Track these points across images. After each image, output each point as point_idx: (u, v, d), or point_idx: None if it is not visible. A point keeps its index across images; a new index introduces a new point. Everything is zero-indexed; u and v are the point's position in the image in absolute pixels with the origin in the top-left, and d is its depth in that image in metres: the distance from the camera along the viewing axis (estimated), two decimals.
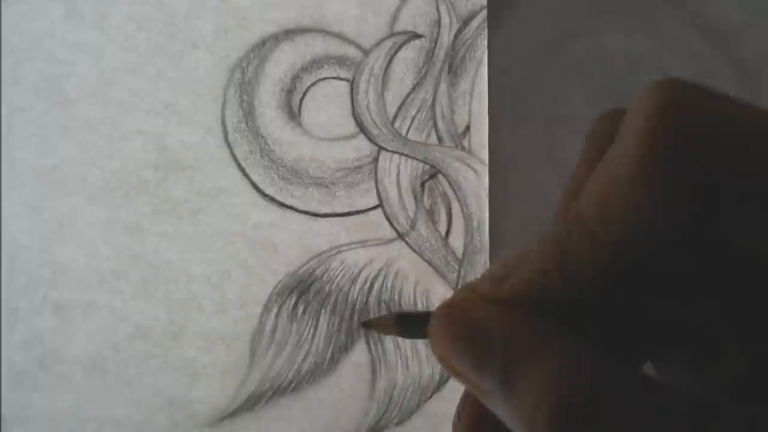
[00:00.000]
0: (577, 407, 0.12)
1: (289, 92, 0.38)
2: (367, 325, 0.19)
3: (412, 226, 0.38)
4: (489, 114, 0.39)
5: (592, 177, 0.14)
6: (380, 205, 0.38)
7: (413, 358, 0.37)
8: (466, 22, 0.39)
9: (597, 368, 0.13)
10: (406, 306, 0.37)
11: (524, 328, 0.14)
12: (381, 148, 0.38)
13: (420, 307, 0.38)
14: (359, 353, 0.37)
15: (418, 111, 0.38)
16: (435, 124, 0.38)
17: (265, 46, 0.38)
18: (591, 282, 0.14)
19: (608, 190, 0.14)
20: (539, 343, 0.14)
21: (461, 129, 0.39)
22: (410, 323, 0.18)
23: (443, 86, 0.39)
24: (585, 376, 0.13)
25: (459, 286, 0.38)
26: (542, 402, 0.13)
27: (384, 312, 0.37)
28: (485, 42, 0.39)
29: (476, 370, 0.14)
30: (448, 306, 0.15)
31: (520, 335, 0.14)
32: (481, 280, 0.15)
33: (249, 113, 0.38)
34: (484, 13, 0.39)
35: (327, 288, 0.37)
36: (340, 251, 0.37)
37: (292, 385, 0.36)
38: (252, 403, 0.36)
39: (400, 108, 0.38)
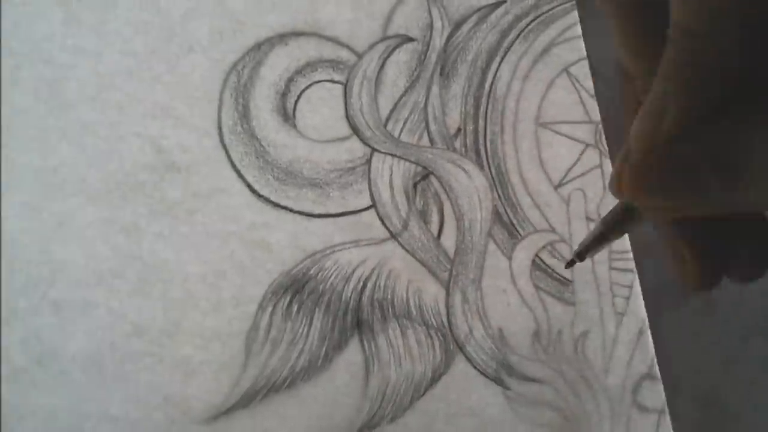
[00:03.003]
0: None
1: (284, 95, 0.39)
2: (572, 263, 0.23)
3: (405, 226, 0.38)
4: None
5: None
6: (373, 205, 0.38)
7: (406, 356, 0.38)
8: (458, 26, 0.40)
9: None
10: (399, 305, 0.38)
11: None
12: (374, 149, 0.39)
13: (413, 306, 0.38)
14: (353, 351, 0.37)
15: (410, 113, 0.39)
16: (427, 126, 0.39)
17: (260, 49, 0.38)
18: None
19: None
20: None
21: (453, 131, 0.39)
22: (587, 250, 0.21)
23: (435, 89, 0.39)
24: None
25: (451, 285, 0.38)
26: None
27: (378, 312, 0.38)
28: (476, 45, 0.40)
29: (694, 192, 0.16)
30: (633, 165, 0.16)
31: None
32: (639, 138, 0.16)
33: (244, 116, 0.38)
34: (476, 16, 0.40)
35: (321, 287, 0.38)
36: (333, 251, 0.38)
37: (287, 382, 0.37)
38: (247, 400, 0.36)
39: (392, 110, 0.39)
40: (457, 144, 0.39)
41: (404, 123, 0.39)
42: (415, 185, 0.39)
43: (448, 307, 0.38)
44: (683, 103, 0.15)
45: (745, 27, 0.14)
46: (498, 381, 0.38)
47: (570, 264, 0.24)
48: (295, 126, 0.38)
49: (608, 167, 0.40)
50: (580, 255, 0.22)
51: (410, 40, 0.39)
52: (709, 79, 0.15)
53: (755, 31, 0.14)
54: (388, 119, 0.39)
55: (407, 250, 0.38)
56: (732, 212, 0.16)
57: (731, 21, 0.14)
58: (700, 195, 0.15)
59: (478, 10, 0.40)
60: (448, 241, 0.39)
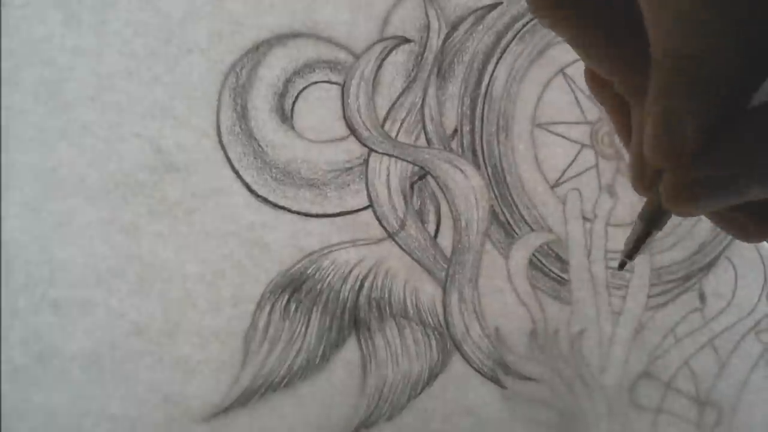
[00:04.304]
0: None
1: (282, 96, 0.39)
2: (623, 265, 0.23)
3: (402, 226, 0.39)
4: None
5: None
6: (370, 205, 0.39)
7: (403, 355, 0.38)
8: (454, 27, 0.40)
9: None
10: (396, 304, 0.38)
11: None
12: (371, 150, 0.39)
13: (410, 305, 0.38)
14: (350, 350, 0.38)
15: (407, 114, 0.39)
16: (424, 127, 0.39)
17: (258, 50, 0.39)
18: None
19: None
20: None
21: (450, 131, 0.40)
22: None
23: (432, 89, 0.40)
24: None
25: (448, 285, 0.38)
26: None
27: (375, 311, 0.38)
28: (473, 46, 0.40)
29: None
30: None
31: None
32: (661, 154, 0.17)
33: (243, 116, 0.38)
34: (472, 17, 0.40)
35: (319, 286, 0.38)
36: (331, 251, 0.38)
37: (285, 381, 0.37)
38: (245, 398, 0.37)
39: (390, 111, 0.39)
40: (454, 144, 0.39)
41: (401, 123, 0.39)
42: (412, 185, 0.39)
43: (445, 306, 0.38)
44: (699, 118, 0.16)
45: (743, 43, 0.15)
46: (494, 380, 0.38)
47: (622, 266, 0.24)
48: (293, 126, 0.39)
49: (604, 167, 0.40)
50: (630, 255, 0.23)
51: (407, 41, 0.40)
52: (716, 94, 0.16)
53: (753, 46, 0.15)
54: (385, 120, 0.39)
55: (404, 250, 0.38)
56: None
57: (729, 41, 0.15)
58: (740, 197, 0.16)
59: (475, 11, 0.40)
60: (445, 240, 0.39)
